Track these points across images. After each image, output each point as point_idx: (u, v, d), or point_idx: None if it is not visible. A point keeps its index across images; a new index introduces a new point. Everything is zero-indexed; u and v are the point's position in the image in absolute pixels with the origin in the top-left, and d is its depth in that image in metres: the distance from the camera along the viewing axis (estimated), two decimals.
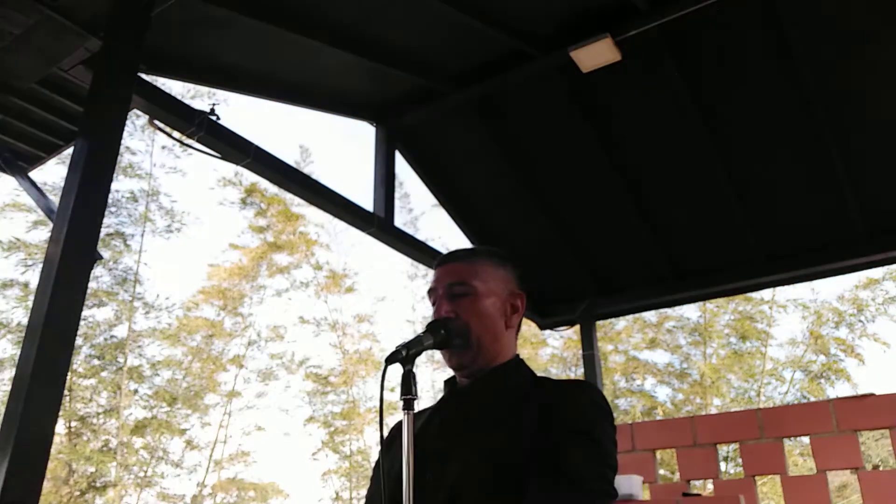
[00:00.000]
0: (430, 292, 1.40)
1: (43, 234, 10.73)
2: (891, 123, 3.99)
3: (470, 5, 3.58)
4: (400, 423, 1.35)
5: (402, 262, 16.42)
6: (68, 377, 4.13)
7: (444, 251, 1.55)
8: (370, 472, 1.49)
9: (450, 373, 1.45)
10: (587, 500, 1.13)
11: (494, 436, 1.22)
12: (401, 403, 1.15)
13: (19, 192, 10.45)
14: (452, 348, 1.32)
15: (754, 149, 4.32)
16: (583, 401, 1.26)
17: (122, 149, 11.11)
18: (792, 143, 4.21)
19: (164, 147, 11.84)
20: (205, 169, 23.21)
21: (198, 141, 3.37)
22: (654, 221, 4.90)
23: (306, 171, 13.37)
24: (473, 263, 1.38)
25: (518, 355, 1.42)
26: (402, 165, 4.80)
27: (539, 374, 1.39)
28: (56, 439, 8.81)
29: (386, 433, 1.25)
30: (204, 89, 10.05)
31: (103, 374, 11.39)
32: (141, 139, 11.95)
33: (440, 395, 1.45)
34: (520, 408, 1.25)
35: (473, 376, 1.36)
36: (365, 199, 4.34)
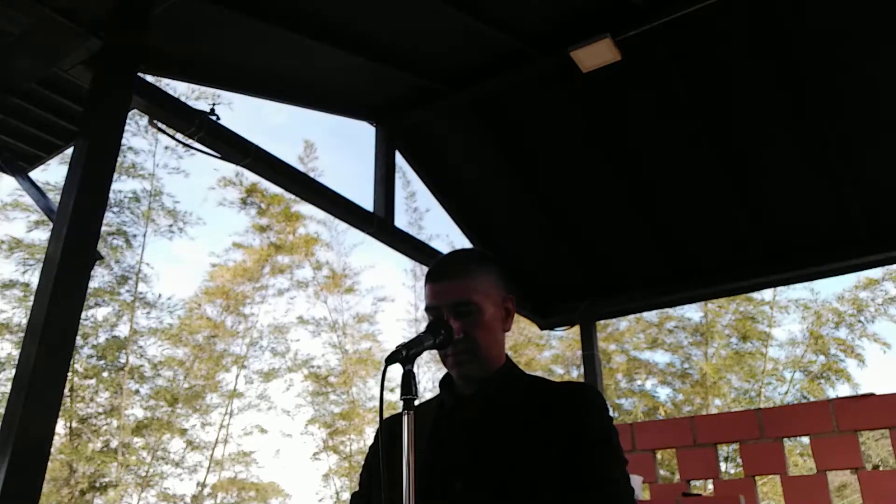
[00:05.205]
0: (430, 310, 1.35)
1: (43, 234, 10.72)
2: (891, 124, 3.99)
3: (470, 5, 3.58)
4: (391, 422, 1.35)
5: (403, 262, 16.39)
6: (68, 377, 4.13)
7: (445, 250, 1.55)
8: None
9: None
10: None
11: (523, 445, 1.25)
12: (401, 403, 1.15)
13: (21, 193, 10.44)
14: (459, 361, 1.33)
15: (754, 149, 4.32)
16: (598, 407, 1.32)
17: (124, 149, 11.19)
18: (792, 142, 4.21)
19: (166, 147, 11.83)
20: (207, 169, 23.21)
21: (198, 141, 3.37)
22: (654, 221, 4.90)
23: (309, 167, 13.39)
24: (469, 278, 1.35)
25: (507, 355, 1.43)
26: (402, 165, 4.82)
27: (536, 373, 1.40)
28: (56, 439, 8.82)
29: (384, 429, 1.24)
30: (208, 90, 10.05)
31: (104, 374, 11.38)
32: (144, 139, 11.94)
33: (430, 396, 1.44)
34: (536, 414, 1.29)
35: (478, 383, 1.37)
36: (365, 199, 4.35)
